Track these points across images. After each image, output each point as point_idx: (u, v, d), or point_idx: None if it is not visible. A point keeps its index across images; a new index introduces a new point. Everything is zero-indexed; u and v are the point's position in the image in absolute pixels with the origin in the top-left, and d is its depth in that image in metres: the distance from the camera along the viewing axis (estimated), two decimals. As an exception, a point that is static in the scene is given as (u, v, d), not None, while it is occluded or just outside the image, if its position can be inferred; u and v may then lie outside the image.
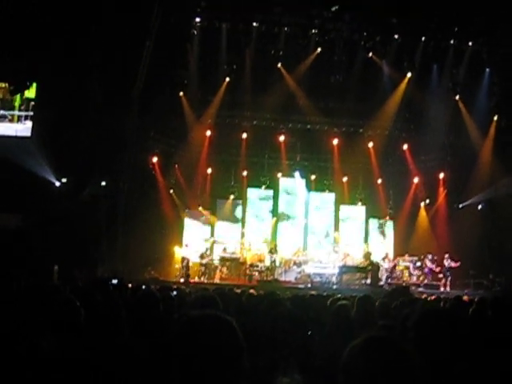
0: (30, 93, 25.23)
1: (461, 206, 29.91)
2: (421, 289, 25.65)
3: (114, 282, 10.98)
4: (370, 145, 31.46)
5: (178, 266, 27.57)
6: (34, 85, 25.09)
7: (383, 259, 28.69)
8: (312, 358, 4.78)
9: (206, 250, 27.92)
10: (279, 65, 29.03)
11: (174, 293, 9.38)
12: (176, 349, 2.50)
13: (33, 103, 25.16)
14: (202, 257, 27.37)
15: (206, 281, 26.29)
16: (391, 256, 29.69)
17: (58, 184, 24.95)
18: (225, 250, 28.86)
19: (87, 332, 4.54)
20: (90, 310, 4.84)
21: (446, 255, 26.97)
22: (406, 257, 28.81)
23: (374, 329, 4.70)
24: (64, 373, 3.40)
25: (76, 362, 3.88)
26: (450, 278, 26.64)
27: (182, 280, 25.56)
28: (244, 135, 30.79)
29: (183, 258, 27.03)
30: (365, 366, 2.43)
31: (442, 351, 3.49)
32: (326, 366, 3.59)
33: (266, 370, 2.62)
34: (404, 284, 26.33)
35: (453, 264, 26.66)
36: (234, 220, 31.40)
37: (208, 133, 30.27)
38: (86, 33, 22.99)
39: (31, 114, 25.07)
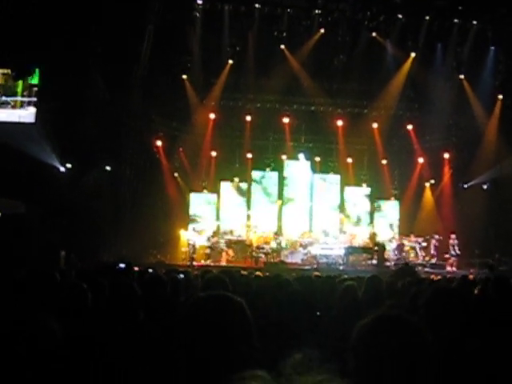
0: (34, 79, 25.19)
1: (466, 185, 29.89)
2: (427, 269, 25.68)
3: (122, 265, 10.97)
4: (375, 125, 31.38)
5: (184, 249, 27.62)
6: (37, 71, 25.03)
7: (389, 240, 28.73)
8: (322, 338, 4.77)
9: (213, 233, 27.94)
10: (282, 46, 28.88)
11: (181, 275, 9.38)
12: (185, 329, 2.50)
13: (36, 89, 25.11)
14: (208, 240, 27.41)
15: (212, 263, 26.32)
16: (397, 236, 29.76)
17: (62, 169, 24.96)
18: (231, 232, 28.92)
19: (95, 315, 4.54)
20: (99, 294, 4.84)
21: (452, 235, 27.00)
22: (412, 237, 28.81)
23: (383, 308, 4.69)
24: (74, 356, 3.41)
25: (84, 344, 3.89)
26: (455, 258, 26.68)
27: (188, 263, 25.60)
28: (248, 118, 30.73)
29: (189, 241, 27.07)
30: (375, 344, 2.41)
31: (453, 329, 3.49)
32: (336, 346, 3.58)
33: (276, 349, 2.60)
34: (410, 264, 26.35)
35: (457, 251, 26.76)
36: (240, 202, 31.40)
37: (212, 116, 30.22)
38: (87, 19, 22.92)
39: (34, 99, 25.03)
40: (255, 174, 31.76)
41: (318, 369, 1.86)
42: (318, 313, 5.90)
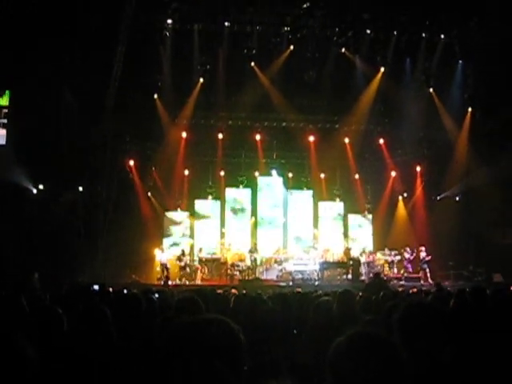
0: (3, 100, 25.01)
1: (438, 198, 30.14)
2: (402, 282, 25.80)
3: (96, 287, 10.91)
4: (346, 140, 31.58)
5: (159, 268, 27.50)
6: (7, 92, 24.88)
7: (361, 254, 28.84)
8: (298, 357, 4.77)
9: (183, 252, 27.82)
10: (252, 64, 28.95)
11: (156, 295, 9.34)
12: (177, 353, 2.46)
13: (6, 111, 24.94)
14: (179, 259, 27.29)
15: (187, 282, 26.22)
16: (367, 250, 29.88)
17: (34, 191, 24.78)
18: (200, 250, 28.88)
19: (71, 339, 4.50)
20: (73, 317, 4.80)
21: (422, 248, 27.19)
22: (386, 251, 28.95)
23: (359, 324, 4.70)
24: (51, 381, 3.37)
25: (61, 370, 3.85)
26: (428, 270, 26.82)
27: (162, 283, 25.48)
28: (220, 135, 30.78)
29: (161, 262, 26.94)
30: (352, 362, 2.42)
31: (428, 343, 3.50)
32: (312, 364, 3.59)
33: (253, 372, 2.58)
34: (385, 278, 26.47)
35: (427, 258, 26.91)
36: (213, 220, 31.36)
37: (184, 134, 30.21)
38: (57, 40, 22.83)
39: (5, 121, 24.85)
40: (229, 192, 31.76)
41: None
42: (295, 331, 5.91)
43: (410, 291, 13.54)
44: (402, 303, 3.92)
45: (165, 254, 27.26)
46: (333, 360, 2.49)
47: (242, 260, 28.46)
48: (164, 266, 26.61)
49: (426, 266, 26.92)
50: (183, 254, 27.64)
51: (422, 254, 27.02)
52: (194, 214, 31.18)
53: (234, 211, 31.84)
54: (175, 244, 29.54)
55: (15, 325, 4.56)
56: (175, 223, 30.81)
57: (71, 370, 3.93)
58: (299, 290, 13.90)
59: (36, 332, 4.33)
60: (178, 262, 27.29)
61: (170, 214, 30.77)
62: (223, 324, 2.54)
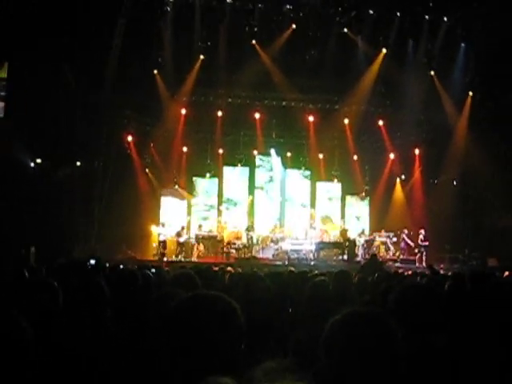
0: (2, 73, 24.87)
1: (436, 181, 30.14)
2: (397, 264, 25.90)
3: (92, 262, 10.91)
4: (346, 121, 31.49)
5: (155, 244, 27.54)
6: (6, 64, 24.74)
7: (359, 235, 28.89)
8: (293, 336, 4.77)
9: (182, 228, 27.84)
10: (254, 41, 28.84)
11: (153, 270, 9.35)
12: (173, 329, 2.44)
13: (4, 83, 24.81)
14: (178, 235, 27.31)
15: (183, 259, 26.26)
16: (367, 232, 29.96)
17: (32, 165, 24.73)
18: (200, 227, 28.90)
19: (66, 315, 4.49)
20: (68, 292, 4.80)
21: (421, 231, 27.21)
22: (383, 232, 29.04)
23: (354, 304, 4.71)
24: (46, 357, 3.37)
25: (56, 345, 3.85)
26: (424, 253, 26.89)
27: (158, 259, 25.53)
28: (219, 113, 30.70)
29: (159, 237, 26.98)
30: (346, 340, 2.42)
31: (422, 325, 3.51)
32: (307, 343, 3.58)
33: (249, 350, 2.57)
34: (381, 259, 26.54)
35: (424, 242, 26.95)
36: (211, 198, 31.37)
37: (183, 111, 30.13)
38: (57, 12, 22.69)
39: (3, 94, 24.74)
40: (227, 170, 31.73)
41: (290, 376, 1.86)
42: (290, 309, 5.91)
43: (405, 273, 13.56)
44: (397, 285, 3.92)
45: (165, 230, 27.29)
46: (328, 338, 2.48)
47: (238, 238, 28.53)
48: (162, 242, 26.65)
49: (423, 249, 26.97)
50: (182, 229, 27.66)
51: (421, 237, 27.06)
52: (191, 192, 31.16)
53: (232, 189, 31.79)
54: (170, 220, 29.46)
55: (17, 300, 4.54)
56: (172, 200, 30.77)
57: (66, 345, 3.93)
58: (292, 269, 13.89)
59: (32, 306, 4.33)
60: (176, 238, 27.30)
61: (168, 191, 30.73)
62: (222, 300, 2.53)
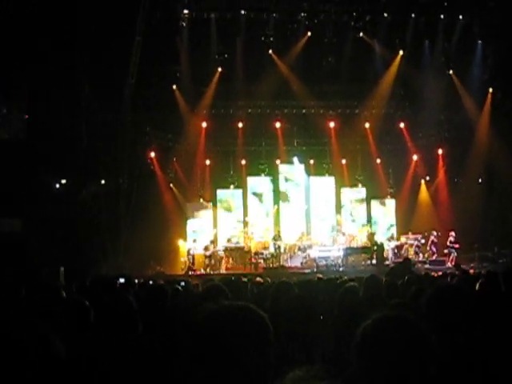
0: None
1: (461, 180, 29.94)
2: (427, 266, 25.73)
3: (122, 280, 10.93)
4: (367, 125, 31.43)
5: (183, 259, 27.60)
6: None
7: (388, 239, 28.76)
8: (325, 343, 4.76)
9: (211, 241, 27.88)
10: (270, 51, 28.95)
11: (182, 283, 9.38)
12: (200, 342, 2.42)
13: (26, 105, 24.99)
14: (206, 248, 27.35)
15: (212, 272, 26.29)
16: (395, 235, 29.82)
17: (57, 186, 24.91)
18: (229, 240, 28.87)
19: (98, 332, 4.52)
20: (99, 310, 4.82)
21: (452, 233, 26.94)
22: (410, 235, 28.84)
23: (386, 308, 4.69)
24: (77, 374, 3.38)
25: (88, 362, 3.87)
26: (455, 255, 26.67)
27: (187, 273, 25.58)
28: (240, 124, 30.77)
29: (188, 251, 27.05)
30: (378, 345, 2.41)
31: (455, 326, 3.48)
32: (339, 350, 3.58)
33: (279, 360, 2.55)
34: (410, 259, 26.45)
35: (454, 245, 26.70)
36: (236, 209, 31.37)
37: (204, 124, 30.26)
38: (73, 32, 22.90)
39: (25, 116, 24.93)
40: (250, 180, 31.72)
41: (318, 383, 1.85)
42: (321, 317, 5.89)
43: (435, 274, 13.47)
44: (429, 287, 3.89)
45: (194, 244, 27.37)
46: (360, 344, 2.47)
47: (265, 248, 28.48)
48: (191, 256, 26.73)
49: (453, 250, 26.72)
50: (211, 243, 27.70)
51: (451, 239, 26.83)
52: (216, 204, 31.19)
53: (257, 199, 31.76)
54: (197, 233, 29.47)
55: (49, 318, 4.58)
56: (198, 213, 30.82)
57: (99, 362, 3.94)
58: (320, 275, 13.84)
59: (65, 324, 4.35)
60: (204, 252, 27.34)
61: (193, 205, 30.80)
62: (250, 311, 2.51)
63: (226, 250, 28.20)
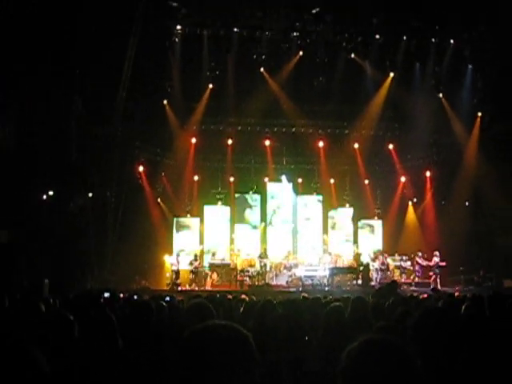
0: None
1: (448, 203, 30.02)
2: (412, 287, 25.76)
3: (106, 295, 10.88)
4: (356, 146, 31.53)
5: (168, 274, 27.48)
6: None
7: (373, 260, 28.77)
8: (309, 363, 4.74)
9: (195, 256, 27.78)
10: (262, 69, 29.05)
11: (167, 299, 9.34)
12: (182, 361, 2.41)
13: (16, 117, 24.92)
14: (190, 264, 27.28)
15: (197, 288, 26.21)
16: (381, 256, 29.84)
17: (44, 197, 24.81)
18: (214, 255, 28.84)
19: (81, 347, 4.48)
20: (83, 324, 4.79)
21: (436, 252, 27.03)
22: (396, 256, 28.87)
23: (371, 330, 4.67)
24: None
25: (71, 376, 3.83)
26: (439, 276, 26.71)
27: (171, 288, 25.49)
28: (229, 141, 30.81)
29: (172, 267, 26.92)
30: (364, 369, 2.39)
31: (443, 349, 3.47)
32: (324, 371, 3.56)
33: (265, 379, 2.54)
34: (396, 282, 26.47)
35: (441, 263, 26.75)
36: (223, 226, 31.31)
37: (193, 140, 30.28)
38: (65, 44, 22.87)
39: (14, 127, 24.84)
40: (238, 198, 31.71)
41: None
42: (306, 337, 5.86)
43: (421, 297, 13.46)
44: (415, 309, 3.89)
45: (177, 259, 27.24)
46: (345, 367, 2.45)
47: (251, 266, 28.42)
48: (175, 272, 26.60)
49: (438, 270, 26.77)
50: (195, 258, 27.61)
51: (435, 259, 26.88)
52: (203, 220, 31.14)
53: (244, 217, 31.74)
54: (183, 250, 29.39)
55: (31, 331, 4.54)
56: (184, 229, 30.76)
57: (81, 376, 3.91)
58: (305, 295, 13.82)
59: (47, 338, 4.32)
60: (190, 267, 27.27)
61: (180, 220, 30.75)
62: (234, 330, 2.50)
63: (211, 266, 28.15)
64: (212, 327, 2.49)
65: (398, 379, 2.35)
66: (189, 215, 30.87)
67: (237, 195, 31.68)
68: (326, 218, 32.03)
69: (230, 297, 12.00)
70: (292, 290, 25.48)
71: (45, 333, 4.39)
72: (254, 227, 31.63)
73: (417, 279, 27.61)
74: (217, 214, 31.40)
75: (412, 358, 2.43)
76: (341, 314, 6.42)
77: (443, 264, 26.72)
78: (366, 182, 32.04)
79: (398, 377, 2.35)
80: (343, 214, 32.15)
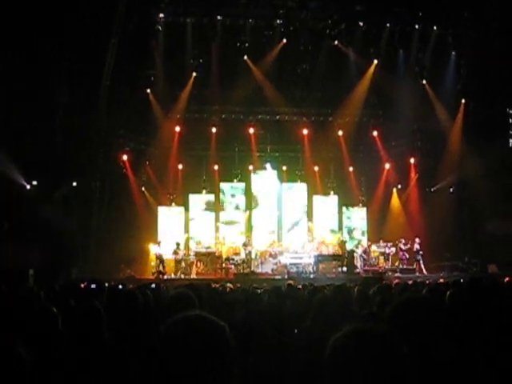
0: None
1: (433, 189, 30.15)
2: (397, 274, 25.84)
3: (93, 286, 10.84)
4: (340, 133, 31.55)
5: (154, 263, 27.44)
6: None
7: (356, 246, 28.89)
8: (294, 353, 4.74)
9: (178, 245, 27.72)
10: (245, 57, 28.94)
11: (153, 286, 9.34)
12: (161, 353, 2.41)
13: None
14: (175, 253, 27.27)
15: (182, 276, 26.20)
16: (364, 243, 29.97)
17: (28, 187, 24.72)
18: (199, 243, 28.86)
19: (66, 339, 4.47)
20: (67, 316, 4.77)
21: (416, 239, 27.19)
22: (381, 243, 28.97)
23: (355, 319, 4.68)
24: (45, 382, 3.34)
25: (55, 370, 3.82)
26: (421, 262, 26.86)
27: (157, 277, 25.46)
28: (213, 129, 30.73)
29: (157, 255, 26.87)
30: (350, 358, 2.39)
31: (421, 339, 3.48)
32: (310, 361, 3.56)
33: (249, 368, 2.54)
34: (380, 270, 26.61)
35: (420, 250, 26.91)
36: (208, 215, 31.28)
37: (177, 128, 30.19)
38: (49, 34, 22.76)
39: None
40: (223, 186, 31.67)
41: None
42: (295, 330, 5.86)
43: (407, 283, 13.52)
44: (394, 298, 3.89)
45: (160, 248, 27.19)
46: (329, 356, 2.45)
47: (236, 254, 28.48)
48: (160, 260, 26.56)
49: (419, 257, 26.95)
50: (178, 247, 27.58)
51: (417, 246, 27.04)
52: (188, 209, 31.09)
53: (228, 205, 31.71)
54: (167, 239, 29.33)
55: (13, 322, 4.52)
56: (169, 218, 30.72)
57: (65, 370, 3.90)
58: (290, 282, 13.84)
59: (31, 331, 4.30)
60: (173, 256, 27.28)
61: (164, 209, 30.70)
62: (207, 321, 2.49)
63: (196, 254, 28.17)
64: (187, 319, 2.49)
65: (383, 367, 2.36)
66: (173, 204, 30.81)
67: (221, 183, 31.61)
68: (310, 205, 32.04)
69: (216, 285, 12.02)
70: (277, 277, 25.52)
71: (28, 325, 4.37)
72: (239, 215, 31.59)
73: (401, 266, 27.70)
74: (201, 202, 31.35)
75: (398, 345, 2.44)
76: (326, 302, 6.43)
77: (421, 252, 26.90)
78: (351, 169, 32.08)
79: (382, 364, 2.36)
80: (327, 202, 32.17)
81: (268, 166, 31.82)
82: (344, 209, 32.16)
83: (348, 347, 2.42)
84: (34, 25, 22.15)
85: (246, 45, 28.76)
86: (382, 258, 28.85)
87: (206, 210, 31.19)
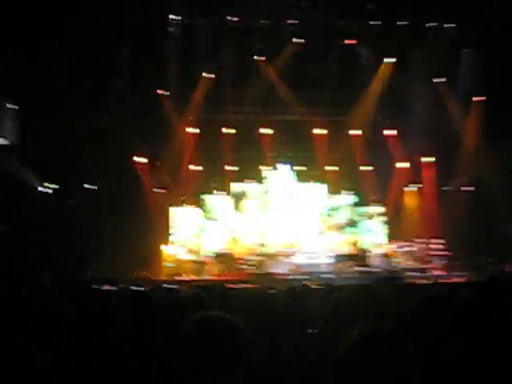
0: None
1: (448, 189, 30.02)
2: (413, 273, 25.75)
3: (106, 286, 10.87)
4: (354, 133, 31.43)
5: (168, 264, 27.47)
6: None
7: (374, 246, 28.82)
8: (309, 354, 4.71)
9: (194, 245, 27.77)
10: (258, 57, 28.97)
11: (166, 288, 9.32)
12: (180, 353, 2.38)
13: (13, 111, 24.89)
14: (189, 253, 27.32)
15: (196, 277, 26.20)
16: (380, 242, 29.89)
17: (42, 189, 24.83)
18: (213, 244, 28.86)
19: (81, 340, 4.45)
20: (82, 317, 4.76)
21: (436, 240, 27.09)
22: (397, 242, 28.88)
23: (369, 319, 4.64)
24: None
25: (71, 372, 3.80)
26: (437, 261, 26.78)
27: (172, 279, 25.48)
28: (226, 130, 30.70)
29: (171, 256, 26.92)
30: (360, 360, 2.38)
31: (439, 338, 3.44)
32: (323, 361, 3.53)
33: (263, 368, 2.52)
34: (396, 270, 26.55)
35: (441, 252, 26.82)
36: (221, 215, 31.26)
37: (190, 130, 30.21)
38: (60, 32, 22.85)
39: (12, 122, 24.83)
40: (236, 187, 31.63)
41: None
42: (310, 330, 5.82)
43: (419, 282, 13.48)
44: (412, 297, 3.85)
45: (175, 249, 27.24)
46: (341, 357, 2.44)
47: (251, 254, 28.45)
48: (175, 262, 26.62)
49: (435, 256, 26.85)
50: (192, 248, 27.62)
51: (432, 245, 26.95)
52: (201, 209, 31.09)
53: (242, 205, 31.67)
54: (182, 239, 29.36)
55: (28, 322, 4.52)
56: (183, 218, 30.73)
57: (80, 371, 3.88)
58: (306, 282, 13.83)
59: (47, 332, 4.29)
60: (188, 257, 27.31)
61: (178, 210, 30.71)
62: (222, 322, 2.47)
63: (211, 255, 28.17)
64: (203, 319, 2.47)
65: (388, 365, 2.34)
66: (185, 204, 30.82)
67: (234, 184, 31.57)
68: (324, 205, 31.96)
69: (229, 286, 11.98)
70: (293, 277, 25.47)
71: (44, 327, 4.37)
72: (252, 216, 31.54)
73: (417, 265, 27.58)
74: (215, 202, 31.33)
75: (406, 345, 2.42)
76: (343, 302, 6.39)
77: (442, 252, 26.79)
78: (365, 168, 31.97)
79: (387, 362, 2.34)
80: (342, 202, 32.06)
81: (281, 166, 31.76)
82: (359, 208, 32.05)
83: (358, 348, 2.41)
84: (44, 22, 22.23)
85: (259, 45, 28.78)
86: (397, 257, 28.74)
87: (220, 210, 31.18)
